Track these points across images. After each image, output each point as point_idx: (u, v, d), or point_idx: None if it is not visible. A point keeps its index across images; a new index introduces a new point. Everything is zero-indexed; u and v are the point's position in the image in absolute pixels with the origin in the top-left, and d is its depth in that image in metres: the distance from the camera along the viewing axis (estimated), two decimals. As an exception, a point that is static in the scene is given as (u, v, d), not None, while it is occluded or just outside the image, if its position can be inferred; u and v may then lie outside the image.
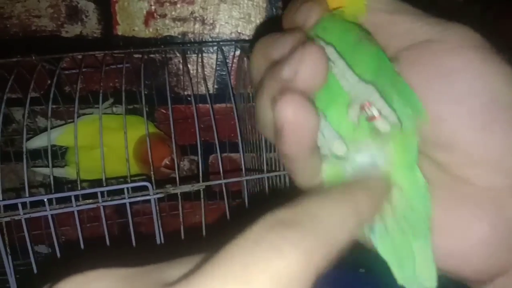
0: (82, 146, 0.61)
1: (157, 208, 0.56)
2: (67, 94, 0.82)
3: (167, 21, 0.84)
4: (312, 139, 0.24)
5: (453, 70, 0.25)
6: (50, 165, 0.57)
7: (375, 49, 0.27)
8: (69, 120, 0.81)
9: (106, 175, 0.59)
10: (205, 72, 0.87)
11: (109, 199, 0.55)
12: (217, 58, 0.86)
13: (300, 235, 0.18)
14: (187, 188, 0.58)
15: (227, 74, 0.78)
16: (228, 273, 0.17)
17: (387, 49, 0.27)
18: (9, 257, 0.53)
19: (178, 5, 0.84)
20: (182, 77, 0.87)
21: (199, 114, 0.88)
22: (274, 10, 0.86)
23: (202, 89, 0.86)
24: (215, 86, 0.88)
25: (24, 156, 0.57)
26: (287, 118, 0.23)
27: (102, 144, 0.59)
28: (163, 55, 0.83)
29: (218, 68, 0.87)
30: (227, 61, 0.87)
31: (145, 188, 0.56)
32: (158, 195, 0.56)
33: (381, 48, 0.27)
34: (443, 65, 0.25)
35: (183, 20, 0.85)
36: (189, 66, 0.87)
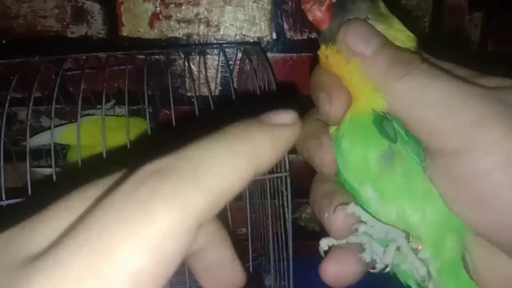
0: (83, 146, 0.61)
1: None
2: (71, 95, 0.82)
3: (172, 23, 0.85)
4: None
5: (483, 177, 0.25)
6: (53, 164, 0.57)
7: (400, 169, 0.28)
8: (72, 120, 0.81)
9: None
10: (208, 74, 0.87)
11: None
12: (219, 60, 0.86)
13: (175, 185, 0.16)
14: None
15: (230, 76, 0.78)
16: (80, 259, 0.15)
17: (419, 138, 0.28)
18: None
19: (183, 7, 0.84)
20: (185, 79, 0.87)
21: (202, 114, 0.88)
22: (279, 12, 0.86)
23: (205, 91, 0.87)
24: (218, 88, 0.88)
25: (28, 156, 0.57)
26: (330, 277, 0.28)
27: (105, 144, 0.59)
28: (167, 57, 0.83)
29: (221, 70, 0.87)
30: (230, 63, 0.87)
31: None
32: None
33: (407, 155, 0.28)
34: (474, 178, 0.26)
35: (188, 21, 0.85)
36: (192, 67, 0.87)
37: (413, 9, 0.88)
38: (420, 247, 0.28)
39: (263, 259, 0.80)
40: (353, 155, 0.29)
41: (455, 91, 0.26)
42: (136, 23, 0.84)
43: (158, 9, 0.84)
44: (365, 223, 0.28)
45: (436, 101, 0.26)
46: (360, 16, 0.30)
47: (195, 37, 0.86)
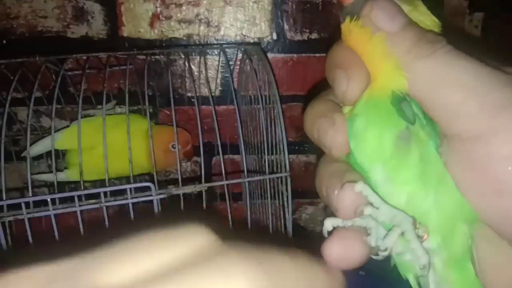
0: (82, 148, 0.61)
1: (160, 209, 0.56)
2: (71, 95, 0.82)
3: (172, 23, 0.85)
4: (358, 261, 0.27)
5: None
6: (55, 169, 0.57)
7: (416, 151, 0.27)
8: (66, 125, 0.81)
9: (108, 174, 0.59)
10: (209, 74, 0.87)
11: (112, 199, 0.56)
12: (219, 60, 0.86)
13: (253, 268, 0.17)
14: (189, 189, 0.58)
15: (230, 77, 0.79)
16: None
17: (437, 124, 0.27)
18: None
19: (184, 7, 0.84)
20: (186, 79, 0.88)
21: (202, 115, 0.88)
22: (279, 12, 0.86)
23: (205, 91, 0.87)
24: (219, 88, 0.89)
25: (28, 156, 0.57)
26: (333, 257, 0.27)
27: (106, 144, 0.59)
28: (167, 57, 0.83)
29: (221, 70, 0.88)
30: (231, 63, 0.88)
31: (147, 188, 0.56)
32: (161, 196, 0.56)
33: (424, 138, 0.27)
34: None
35: (188, 22, 0.85)
36: (192, 67, 0.87)
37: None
38: (425, 236, 0.27)
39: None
40: (368, 134, 0.28)
41: (480, 74, 0.25)
42: (136, 23, 0.84)
43: (158, 9, 0.84)
44: (372, 204, 0.27)
45: (460, 82, 0.25)
46: None
47: (195, 37, 0.86)
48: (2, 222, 0.53)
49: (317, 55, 0.87)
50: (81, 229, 0.56)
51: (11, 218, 0.53)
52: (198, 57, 0.86)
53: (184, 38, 0.86)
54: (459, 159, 0.26)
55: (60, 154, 0.80)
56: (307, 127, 0.32)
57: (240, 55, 0.84)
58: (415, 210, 0.27)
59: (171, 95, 0.68)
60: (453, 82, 0.25)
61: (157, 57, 0.85)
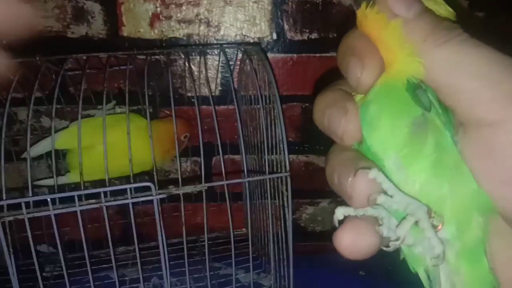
0: (82, 147, 0.61)
1: (159, 209, 0.56)
2: (71, 95, 0.82)
3: (172, 23, 0.85)
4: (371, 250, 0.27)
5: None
6: (54, 170, 0.57)
7: (432, 139, 0.27)
8: (65, 125, 0.81)
9: (109, 174, 0.59)
10: (208, 74, 0.87)
11: (112, 199, 0.56)
12: (219, 60, 0.86)
13: None
14: (189, 189, 0.58)
15: (230, 77, 0.79)
16: None
17: (453, 111, 0.27)
18: (12, 256, 0.54)
19: (184, 7, 0.84)
20: (185, 79, 0.88)
21: (202, 115, 0.88)
22: (279, 12, 0.86)
23: (205, 91, 0.87)
24: (218, 88, 0.89)
25: (28, 157, 0.57)
26: (344, 246, 0.27)
27: (106, 144, 0.59)
28: (167, 57, 0.83)
29: (221, 70, 0.88)
30: (231, 63, 0.88)
31: (147, 188, 0.56)
32: (161, 196, 0.56)
33: (440, 125, 0.27)
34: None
35: (188, 22, 0.85)
36: (192, 67, 0.87)
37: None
38: (440, 226, 0.27)
39: (262, 259, 0.80)
40: (382, 121, 0.28)
41: (496, 61, 0.25)
42: (136, 23, 0.84)
43: (158, 9, 0.84)
44: (385, 192, 0.26)
45: (477, 69, 0.25)
46: None
47: (195, 37, 0.86)
48: (2, 222, 0.53)
49: (317, 55, 0.87)
50: (81, 229, 0.56)
51: (11, 218, 0.53)
52: (198, 57, 0.86)
53: (184, 38, 0.86)
54: (475, 147, 0.26)
55: (60, 155, 0.80)
56: (316, 116, 0.31)
57: (240, 55, 0.84)
58: (429, 199, 0.27)
59: (171, 95, 0.68)
60: (469, 70, 0.25)
61: (156, 57, 0.85)
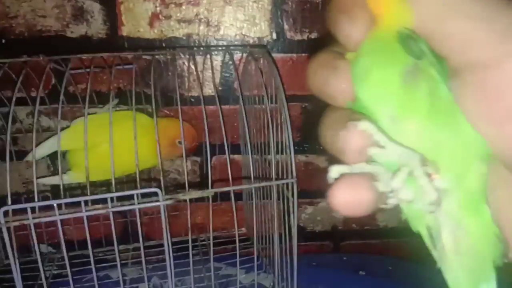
0: (83, 147, 0.61)
1: (166, 214, 0.56)
2: (71, 94, 0.82)
3: (172, 23, 0.85)
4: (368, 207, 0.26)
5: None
6: (60, 171, 0.57)
7: (424, 87, 0.26)
8: (65, 125, 0.80)
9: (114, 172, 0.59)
10: (209, 74, 0.87)
11: (119, 204, 0.55)
12: (223, 61, 0.86)
13: None
14: (196, 194, 0.58)
15: (234, 76, 0.79)
16: None
17: (447, 59, 0.26)
18: (17, 261, 0.53)
19: (183, 7, 0.84)
20: (186, 78, 0.87)
21: (201, 115, 0.88)
22: (279, 12, 0.86)
23: (206, 91, 0.87)
24: (219, 88, 0.88)
25: (34, 160, 0.57)
26: (339, 203, 0.26)
27: (112, 143, 0.58)
28: (172, 57, 0.83)
29: (222, 70, 0.87)
30: (230, 63, 0.87)
31: (154, 194, 0.56)
32: (168, 202, 0.56)
33: (433, 73, 0.26)
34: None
35: (188, 21, 0.85)
36: (193, 67, 0.87)
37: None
38: (435, 175, 0.26)
39: (263, 260, 0.80)
40: (373, 73, 0.27)
41: (486, 0, 0.24)
42: (136, 23, 0.84)
43: (158, 9, 0.83)
44: (378, 145, 0.26)
45: (467, 10, 0.24)
46: None
47: (195, 37, 0.86)
48: (7, 228, 0.53)
49: (317, 55, 0.87)
50: (87, 233, 0.56)
51: (16, 223, 0.52)
52: (199, 57, 0.85)
53: (184, 38, 0.85)
54: (470, 91, 0.25)
55: (60, 154, 0.80)
56: (309, 80, 0.30)
57: (244, 55, 0.84)
58: (425, 148, 0.26)
59: (177, 94, 0.68)
60: (460, 11, 0.24)
61: (157, 56, 0.85)
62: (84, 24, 0.83)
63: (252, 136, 0.82)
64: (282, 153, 0.65)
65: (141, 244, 0.58)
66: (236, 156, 0.92)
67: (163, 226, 0.57)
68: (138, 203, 0.55)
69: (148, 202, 0.55)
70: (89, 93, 0.60)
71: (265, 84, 0.65)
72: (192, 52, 0.80)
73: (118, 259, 0.58)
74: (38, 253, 0.54)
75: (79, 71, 0.77)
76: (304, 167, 0.93)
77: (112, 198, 0.56)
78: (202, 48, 0.85)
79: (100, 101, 0.81)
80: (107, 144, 0.60)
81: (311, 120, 0.90)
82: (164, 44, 0.85)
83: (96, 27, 0.83)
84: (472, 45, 0.24)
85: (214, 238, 0.64)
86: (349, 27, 0.27)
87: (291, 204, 0.62)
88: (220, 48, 0.85)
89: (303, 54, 0.88)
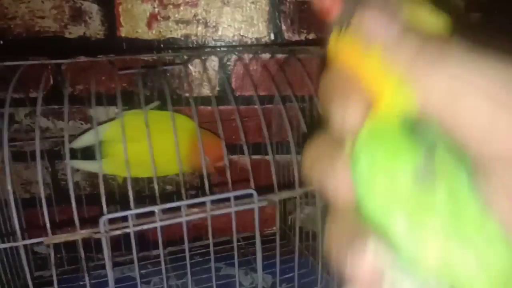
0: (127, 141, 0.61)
1: (259, 216, 0.57)
2: (69, 95, 0.81)
3: (170, 24, 0.85)
4: None
5: None
6: (100, 164, 0.56)
7: (443, 186, 0.20)
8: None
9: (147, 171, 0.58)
10: (208, 75, 0.87)
11: (214, 207, 0.55)
12: (220, 62, 0.86)
13: None
14: (287, 194, 0.59)
15: (228, 78, 0.79)
16: None
17: (466, 149, 0.21)
18: (112, 272, 0.53)
19: (181, 8, 0.84)
20: (184, 80, 0.87)
21: (200, 115, 0.88)
22: (277, 13, 0.86)
23: (204, 91, 0.87)
24: (217, 89, 0.89)
25: (67, 163, 0.55)
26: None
27: (151, 143, 0.58)
28: (183, 59, 0.83)
29: (220, 71, 0.88)
30: (229, 63, 0.88)
31: (249, 195, 0.56)
32: (262, 203, 0.56)
33: (452, 168, 0.21)
34: None
35: (186, 22, 0.85)
36: (191, 68, 0.87)
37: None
38: None
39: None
40: (376, 173, 0.22)
41: (506, 75, 0.19)
42: (134, 23, 0.84)
43: (156, 9, 0.84)
44: (391, 275, 0.21)
45: (483, 90, 0.19)
46: None
47: (193, 37, 0.86)
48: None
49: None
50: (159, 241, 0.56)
51: (119, 232, 0.52)
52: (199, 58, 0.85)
53: (182, 39, 0.86)
54: (502, 188, 0.20)
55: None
56: (306, 172, 0.26)
57: (239, 56, 0.84)
58: (451, 274, 0.20)
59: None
60: (474, 92, 0.20)
61: (155, 57, 0.85)
62: (82, 25, 0.83)
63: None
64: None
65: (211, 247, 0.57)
66: (234, 156, 0.92)
67: (256, 228, 0.57)
68: (235, 206, 0.55)
69: (244, 204, 0.56)
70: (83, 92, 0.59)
71: (292, 83, 0.66)
72: (191, 55, 0.80)
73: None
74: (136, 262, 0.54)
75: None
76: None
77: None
78: (198, 51, 0.85)
79: (109, 103, 0.80)
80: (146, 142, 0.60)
81: (309, 120, 0.90)
82: (162, 45, 0.85)
83: (94, 28, 0.83)
84: (494, 132, 0.19)
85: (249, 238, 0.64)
86: (343, 110, 0.24)
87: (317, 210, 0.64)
88: (238, 49, 0.85)
89: (301, 55, 0.88)
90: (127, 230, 0.52)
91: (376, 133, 0.23)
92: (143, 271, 0.83)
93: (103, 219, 0.50)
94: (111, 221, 0.51)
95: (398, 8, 0.23)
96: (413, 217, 0.21)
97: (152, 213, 0.53)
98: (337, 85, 0.25)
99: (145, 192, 0.84)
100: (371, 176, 0.22)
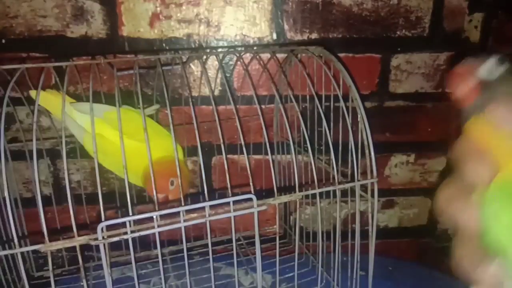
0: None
1: (258, 220, 0.57)
2: (70, 94, 0.82)
3: (172, 23, 0.85)
4: None
5: None
6: (95, 156, 0.55)
7: None
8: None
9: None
10: (209, 74, 0.87)
11: (213, 212, 0.55)
12: (221, 61, 0.86)
13: None
14: (285, 198, 0.58)
15: (229, 77, 0.78)
16: None
17: None
18: (110, 278, 0.53)
19: (184, 7, 0.84)
20: (185, 79, 0.87)
21: (200, 115, 0.88)
22: (279, 12, 0.86)
23: (205, 91, 0.87)
24: (219, 88, 0.88)
25: (64, 166, 0.55)
26: None
27: (148, 142, 0.57)
28: (204, 57, 0.82)
29: (221, 71, 0.87)
30: (231, 63, 0.88)
31: (248, 200, 0.56)
32: (261, 208, 0.56)
33: None
34: None
35: (188, 22, 0.85)
36: (193, 67, 0.87)
37: (413, 9, 0.88)
38: None
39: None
40: (501, 215, 0.31)
41: None
42: (136, 23, 0.84)
43: (158, 9, 0.84)
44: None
45: None
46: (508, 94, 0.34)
47: (195, 37, 0.86)
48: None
49: (317, 55, 0.87)
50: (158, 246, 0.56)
51: (116, 238, 0.51)
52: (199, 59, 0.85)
53: (184, 38, 0.85)
54: None
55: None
56: (441, 205, 0.35)
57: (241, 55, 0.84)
58: None
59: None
60: None
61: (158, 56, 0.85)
62: (84, 24, 0.83)
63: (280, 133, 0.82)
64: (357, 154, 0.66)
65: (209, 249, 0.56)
66: (235, 156, 0.92)
67: (256, 232, 0.57)
68: (234, 211, 0.55)
69: (243, 209, 0.55)
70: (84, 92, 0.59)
71: (333, 83, 0.67)
72: (191, 56, 0.80)
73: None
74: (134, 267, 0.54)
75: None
76: (304, 167, 0.93)
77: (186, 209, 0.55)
78: (199, 51, 0.85)
79: (109, 102, 0.80)
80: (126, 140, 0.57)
81: (310, 120, 0.89)
82: (164, 44, 0.85)
83: (96, 27, 0.83)
84: None
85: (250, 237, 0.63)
86: (476, 170, 0.33)
87: (369, 204, 0.65)
88: (214, 52, 0.85)
89: (303, 55, 0.88)
90: (125, 237, 0.51)
91: (503, 187, 0.31)
92: (143, 271, 0.83)
93: (101, 226, 0.50)
94: (110, 224, 0.51)
95: None
96: None
97: (150, 217, 0.52)
98: (472, 151, 0.34)
99: (145, 191, 0.83)
100: (497, 216, 0.31)
